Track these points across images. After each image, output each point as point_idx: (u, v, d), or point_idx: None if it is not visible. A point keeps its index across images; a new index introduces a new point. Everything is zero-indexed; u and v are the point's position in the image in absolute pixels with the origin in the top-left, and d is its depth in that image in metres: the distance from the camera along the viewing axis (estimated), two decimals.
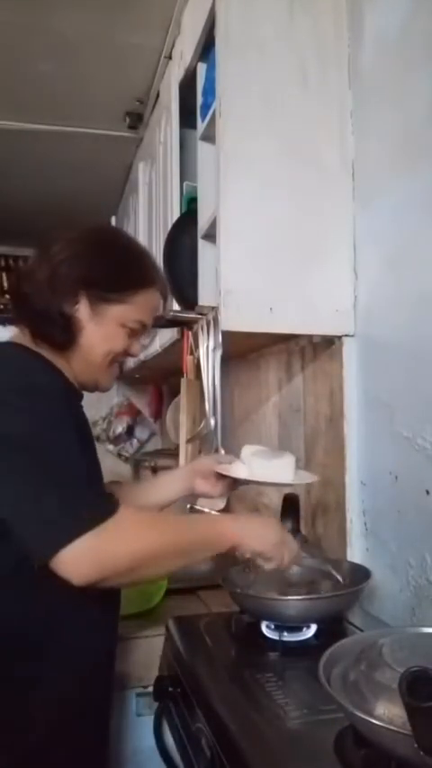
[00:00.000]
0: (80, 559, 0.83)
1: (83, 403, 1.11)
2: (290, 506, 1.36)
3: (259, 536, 1.05)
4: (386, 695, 0.69)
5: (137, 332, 1.09)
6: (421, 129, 1.16)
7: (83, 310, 1.03)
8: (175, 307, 1.70)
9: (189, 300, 1.63)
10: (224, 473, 1.22)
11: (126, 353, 1.10)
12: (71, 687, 0.98)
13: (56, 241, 1.05)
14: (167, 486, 1.30)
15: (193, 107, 1.73)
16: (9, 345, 1.02)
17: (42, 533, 0.85)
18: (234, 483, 1.27)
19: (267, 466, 1.20)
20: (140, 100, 2.30)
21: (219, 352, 1.46)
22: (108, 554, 0.86)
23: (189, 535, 0.99)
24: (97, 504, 0.88)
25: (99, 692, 1.05)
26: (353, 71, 1.41)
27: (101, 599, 1.04)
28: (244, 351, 1.96)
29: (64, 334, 1.03)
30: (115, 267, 1.07)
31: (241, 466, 1.21)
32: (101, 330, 1.05)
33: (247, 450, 1.23)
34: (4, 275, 4.62)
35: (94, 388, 1.11)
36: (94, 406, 3.23)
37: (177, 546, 0.97)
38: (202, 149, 1.62)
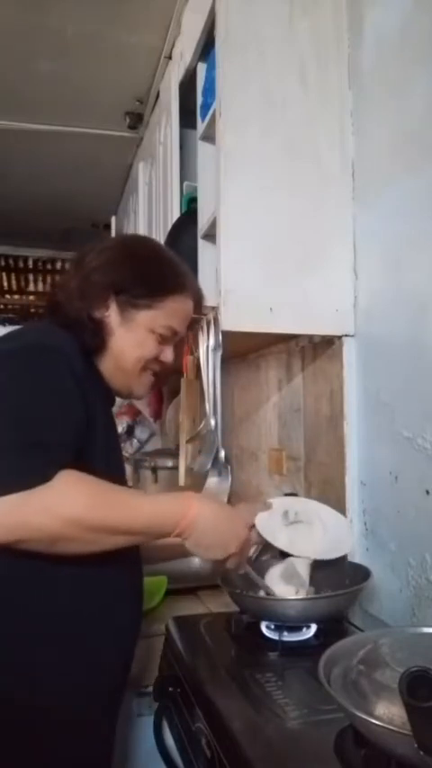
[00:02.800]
0: (1, 516, 0.82)
1: None
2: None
3: (206, 546, 0.98)
4: (386, 695, 0.69)
5: (167, 338, 1.10)
6: (421, 128, 1.16)
7: (113, 316, 1.06)
8: None
9: None
10: (264, 536, 1.16)
11: (158, 361, 1.11)
12: (86, 685, 0.99)
13: (89, 251, 1.08)
14: None
15: (193, 107, 1.73)
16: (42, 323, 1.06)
17: None
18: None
19: (304, 533, 1.21)
20: (140, 100, 2.31)
21: (219, 352, 1.46)
22: (24, 520, 0.83)
23: (131, 516, 0.91)
24: (37, 469, 0.84)
25: (111, 693, 1.05)
26: (353, 71, 1.41)
27: (126, 601, 1.05)
28: (244, 351, 1.96)
29: (94, 339, 1.04)
30: (144, 273, 1.08)
31: (281, 530, 1.19)
32: (131, 336, 1.06)
33: (291, 508, 1.22)
34: (3, 275, 4.62)
35: (128, 394, 1.13)
36: None
37: (110, 523, 0.89)
38: (202, 149, 1.62)
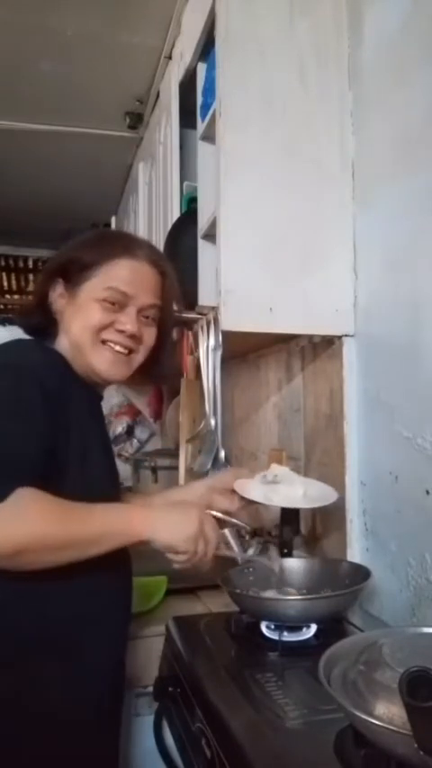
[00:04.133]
0: None
1: None
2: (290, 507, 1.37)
3: (172, 530, 0.98)
4: (386, 695, 0.69)
5: (118, 303, 1.06)
6: (421, 128, 1.16)
7: (62, 297, 1.08)
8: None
9: (189, 300, 1.63)
10: (240, 493, 1.22)
11: (115, 331, 1.06)
12: (80, 692, 0.99)
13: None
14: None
15: (193, 107, 1.73)
16: (21, 339, 1.07)
17: None
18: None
19: (281, 490, 1.24)
20: (140, 100, 2.30)
21: (219, 352, 1.46)
22: None
23: (92, 527, 0.92)
24: None
25: (106, 695, 1.05)
26: (353, 71, 1.41)
27: (114, 603, 1.05)
28: (244, 351, 1.96)
29: (47, 320, 1.08)
30: (83, 248, 1.09)
31: (257, 487, 1.22)
32: (76, 310, 1.06)
33: (270, 472, 1.27)
34: (3, 275, 4.62)
35: (94, 374, 1.08)
36: None
37: (76, 537, 0.91)
38: (202, 149, 1.62)
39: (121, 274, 1.06)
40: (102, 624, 1.02)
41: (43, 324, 1.09)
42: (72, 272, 1.07)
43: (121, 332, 1.06)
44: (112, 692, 1.07)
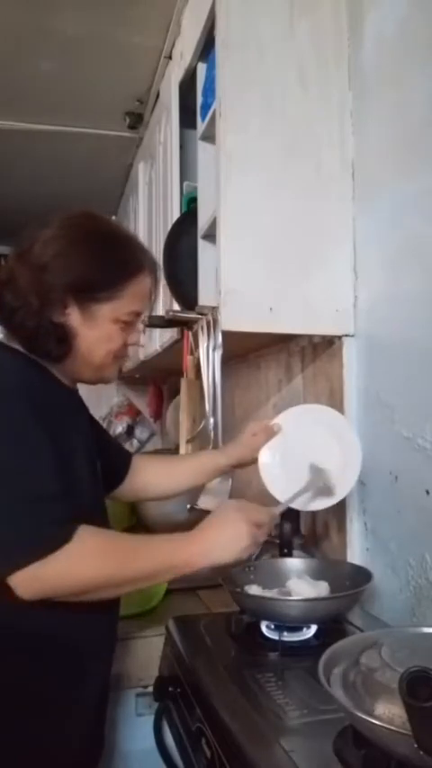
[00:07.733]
0: (26, 583, 0.85)
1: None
2: (289, 508, 1.36)
3: (230, 549, 0.98)
4: (386, 695, 0.69)
5: (133, 323, 1.06)
6: (421, 128, 1.16)
7: (74, 316, 1.00)
8: (175, 307, 1.70)
9: (189, 300, 1.63)
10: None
11: (126, 345, 1.07)
12: (67, 686, 1.00)
13: (32, 240, 1.01)
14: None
15: (193, 107, 1.73)
16: None
17: None
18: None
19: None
20: (140, 100, 2.30)
21: (219, 352, 1.46)
22: (53, 583, 0.87)
23: (146, 565, 0.95)
24: (53, 531, 0.86)
25: (95, 693, 1.06)
26: (353, 71, 1.41)
27: (103, 611, 1.04)
28: (244, 351, 1.96)
29: (60, 347, 0.99)
30: (99, 264, 1.01)
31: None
32: (95, 332, 1.02)
33: None
34: None
35: (98, 382, 1.10)
36: (95, 406, 3.21)
37: (131, 576, 0.94)
38: (202, 149, 1.62)
39: (140, 295, 1.05)
40: (92, 632, 1.03)
41: (38, 337, 1.00)
42: (87, 291, 1.00)
43: (132, 345, 1.09)
44: (102, 686, 1.08)
